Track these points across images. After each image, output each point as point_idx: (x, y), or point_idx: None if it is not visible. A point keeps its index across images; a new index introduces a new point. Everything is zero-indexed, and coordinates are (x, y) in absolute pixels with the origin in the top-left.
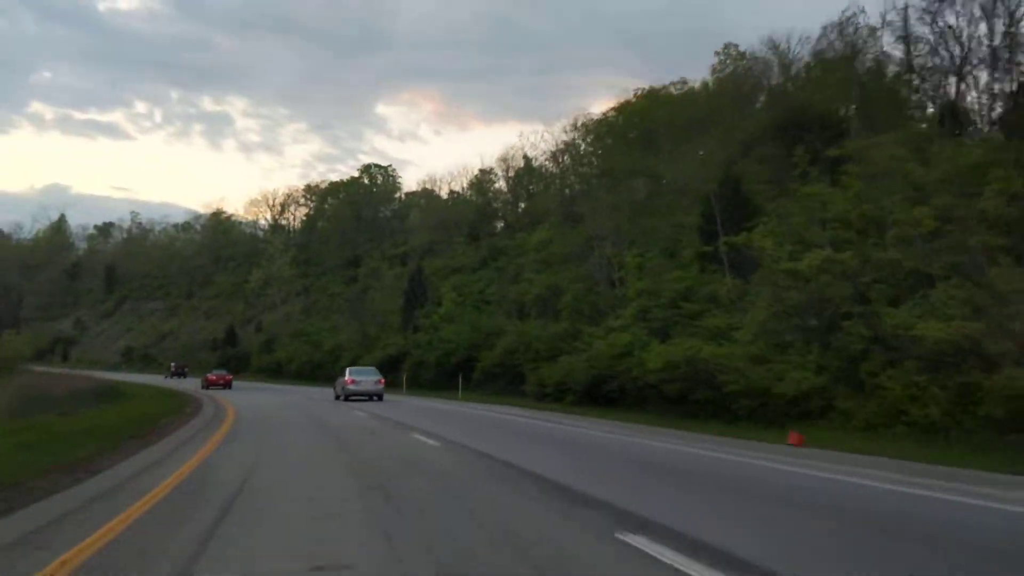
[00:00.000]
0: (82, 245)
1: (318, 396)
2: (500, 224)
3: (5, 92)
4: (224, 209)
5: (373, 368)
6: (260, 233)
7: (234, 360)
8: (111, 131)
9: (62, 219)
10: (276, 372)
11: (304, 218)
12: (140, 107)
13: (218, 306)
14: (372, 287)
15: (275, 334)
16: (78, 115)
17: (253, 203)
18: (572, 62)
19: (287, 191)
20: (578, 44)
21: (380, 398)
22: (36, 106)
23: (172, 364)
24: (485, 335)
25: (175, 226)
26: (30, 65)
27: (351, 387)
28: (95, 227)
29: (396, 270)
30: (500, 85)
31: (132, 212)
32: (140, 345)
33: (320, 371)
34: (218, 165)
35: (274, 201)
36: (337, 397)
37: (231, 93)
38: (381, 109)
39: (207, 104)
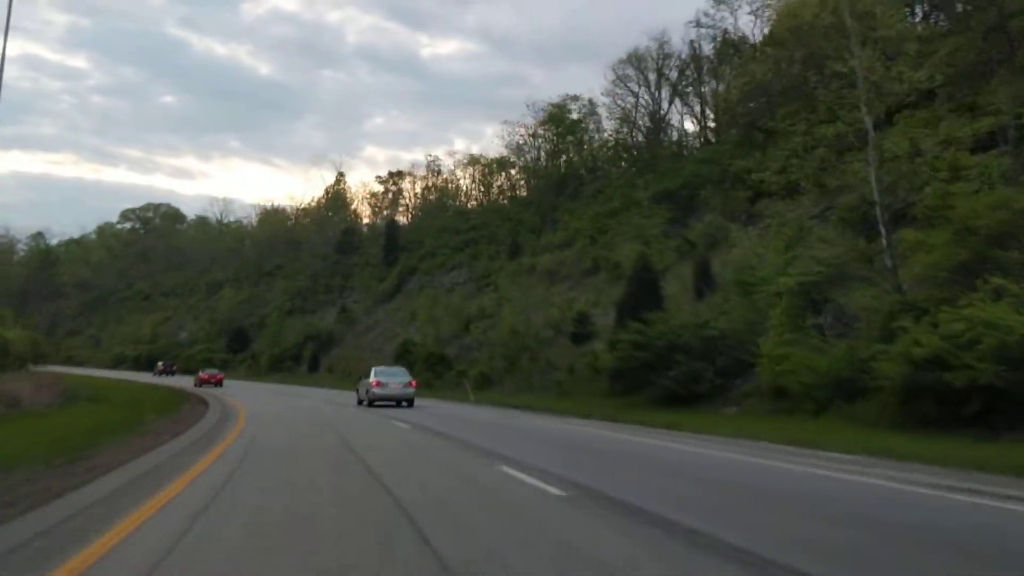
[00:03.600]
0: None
1: None
2: None
3: (346, 139)
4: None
5: (403, 368)
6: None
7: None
8: (433, 169)
9: (340, 179)
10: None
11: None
12: (458, 144)
13: (569, 260)
14: None
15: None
16: (405, 155)
17: (622, 64)
18: None
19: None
20: None
21: (410, 404)
22: (370, 150)
23: (160, 363)
24: None
25: (495, 159)
26: (366, 112)
27: (377, 391)
28: (377, 178)
29: None
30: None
31: (428, 156)
32: (428, 340)
33: None
34: None
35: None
36: (360, 402)
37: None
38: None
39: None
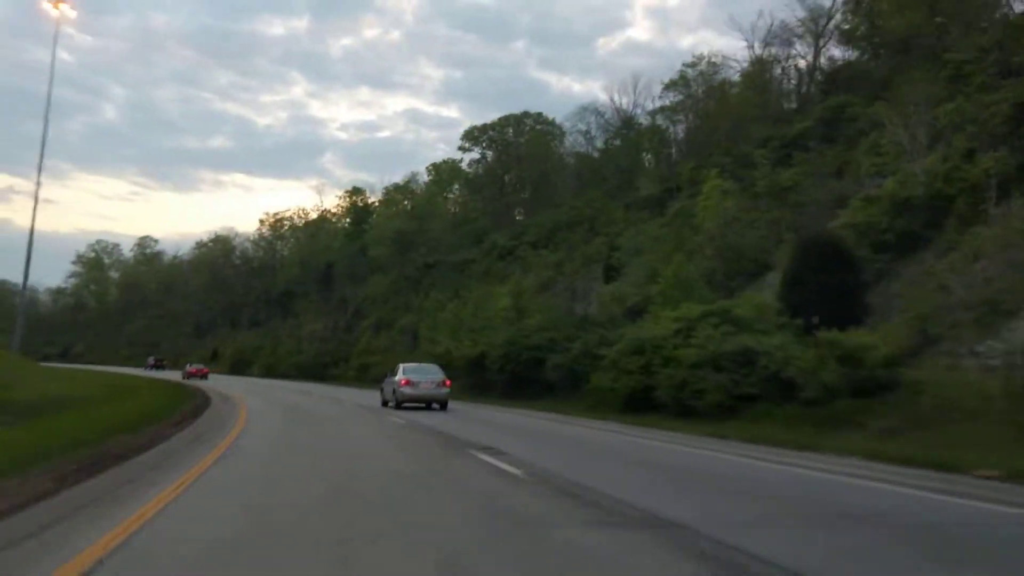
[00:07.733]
0: None
1: None
2: None
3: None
4: None
5: (435, 366)
6: None
7: None
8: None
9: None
10: None
11: None
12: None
13: None
14: None
15: None
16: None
17: None
18: None
19: None
20: None
21: (443, 407)
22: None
23: (151, 358)
24: None
25: None
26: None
27: (406, 390)
28: None
29: None
30: None
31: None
32: None
33: None
34: None
35: None
36: (385, 403)
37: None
38: None
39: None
